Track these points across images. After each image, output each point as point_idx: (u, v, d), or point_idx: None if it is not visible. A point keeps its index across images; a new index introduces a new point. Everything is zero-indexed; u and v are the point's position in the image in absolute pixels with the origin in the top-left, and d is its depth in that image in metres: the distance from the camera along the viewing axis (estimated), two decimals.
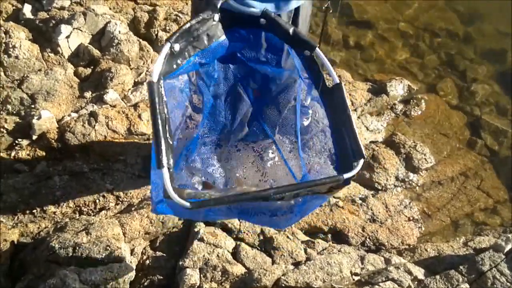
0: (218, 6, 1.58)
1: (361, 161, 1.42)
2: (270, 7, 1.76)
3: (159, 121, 1.28)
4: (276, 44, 1.70)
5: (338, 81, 1.56)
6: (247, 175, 2.04)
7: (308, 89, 1.74)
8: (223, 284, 2.15)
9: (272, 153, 2.12)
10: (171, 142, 1.32)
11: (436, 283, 2.47)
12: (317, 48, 1.60)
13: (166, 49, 1.43)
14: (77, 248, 2.11)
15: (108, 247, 2.13)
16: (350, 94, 3.65)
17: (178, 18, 3.74)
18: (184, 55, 1.51)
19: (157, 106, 1.30)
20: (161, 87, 1.35)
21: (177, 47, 1.46)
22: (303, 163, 1.91)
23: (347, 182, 1.40)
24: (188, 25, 1.49)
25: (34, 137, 2.80)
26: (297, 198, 1.43)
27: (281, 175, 2.04)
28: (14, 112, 2.86)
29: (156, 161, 1.25)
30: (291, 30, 1.60)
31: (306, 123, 2.02)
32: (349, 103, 1.54)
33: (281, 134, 2.15)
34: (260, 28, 1.64)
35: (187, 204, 1.22)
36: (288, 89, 1.95)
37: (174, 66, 1.48)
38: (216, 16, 1.58)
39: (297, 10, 1.95)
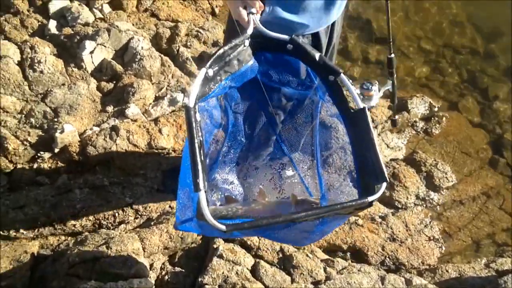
0: (250, 32, 1.63)
1: (384, 185, 1.44)
2: (312, 22, 1.82)
3: (196, 145, 1.31)
4: (297, 68, 1.75)
5: (362, 106, 1.59)
6: (267, 191, 2.04)
7: (329, 110, 1.77)
8: None
9: (290, 171, 2.15)
10: (205, 165, 1.35)
11: None
12: (341, 74, 1.64)
13: (202, 75, 1.47)
14: (97, 262, 2.12)
15: (128, 262, 2.14)
16: (370, 111, 3.62)
17: (199, 34, 3.78)
18: (216, 80, 1.55)
19: (194, 130, 1.33)
20: (196, 111, 1.39)
21: (211, 72, 1.50)
22: (321, 181, 1.93)
23: (370, 204, 1.42)
24: (221, 51, 1.53)
25: (56, 150, 2.83)
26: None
27: (298, 192, 2.05)
28: (37, 125, 2.90)
29: (193, 184, 1.27)
30: (317, 56, 1.65)
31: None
32: (372, 126, 1.55)
33: (299, 152, 2.18)
34: (287, 53, 1.69)
35: (223, 227, 1.24)
36: (307, 109, 1.98)
37: (207, 90, 1.53)
38: (247, 42, 1.62)
39: (332, 25, 1.99)
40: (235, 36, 1.61)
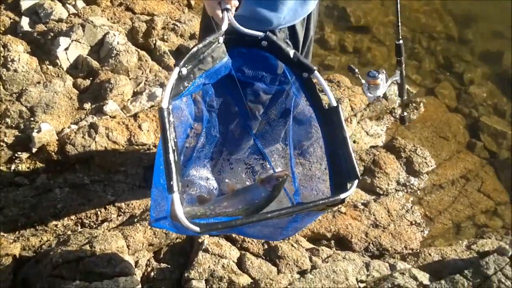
0: (224, 29, 1.61)
1: (356, 182, 1.48)
2: (289, 15, 1.81)
3: (169, 147, 1.31)
4: (273, 64, 1.75)
5: (335, 104, 1.60)
6: (239, 184, 2.08)
7: (303, 107, 1.79)
8: None
9: (263, 166, 2.17)
10: (179, 166, 1.34)
11: None
12: (315, 71, 1.65)
13: (175, 74, 1.45)
14: (81, 261, 2.10)
15: (112, 260, 2.12)
16: (349, 99, 3.64)
17: (175, 27, 3.74)
18: (190, 78, 1.54)
19: (167, 132, 1.33)
20: (170, 112, 1.38)
21: (184, 71, 1.48)
22: (294, 177, 1.94)
23: (343, 201, 1.46)
24: (195, 49, 1.52)
25: (34, 150, 2.78)
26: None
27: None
28: (14, 125, 2.84)
29: (167, 186, 1.27)
30: (291, 53, 1.65)
31: None
32: (345, 124, 1.59)
33: (273, 148, 2.21)
34: (262, 49, 1.69)
35: (197, 229, 1.26)
36: (280, 105, 1.99)
37: (181, 88, 1.51)
38: (221, 39, 1.61)
39: (308, 16, 1.99)
40: (210, 33, 1.59)
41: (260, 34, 1.65)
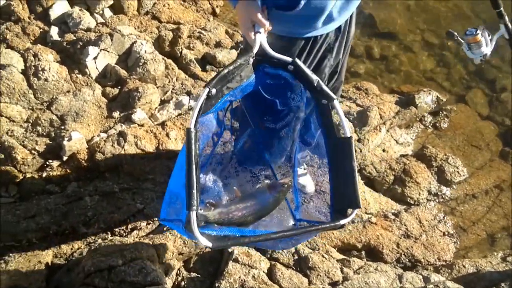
0: (255, 51, 1.65)
1: (356, 210, 1.61)
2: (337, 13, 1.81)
3: (193, 167, 1.37)
4: (292, 84, 1.78)
5: (349, 135, 1.65)
6: (242, 190, 2.11)
7: (314, 131, 1.85)
8: None
9: (267, 177, 2.26)
10: (199, 183, 1.41)
11: None
12: (335, 100, 1.68)
13: (204, 95, 1.48)
14: (113, 270, 2.09)
15: (143, 269, 2.11)
16: (378, 107, 3.59)
17: (201, 35, 3.75)
18: (218, 96, 1.58)
19: (192, 153, 1.38)
20: (197, 132, 1.42)
21: (214, 91, 1.52)
22: (296, 194, 2.05)
23: (342, 226, 1.59)
24: (226, 70, 1.56)
25: (65, 158, 2.80)
26: None
27: None
28: (44, 133, 2.87)
29: (187, 204, 1.36)
30: (315, 81, 1.69)
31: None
32: (355, 156, 1.65)
33: (279, 163, 2.29)
34: (287, 72, 1.72)
35: (210, 244, 1.36)
36: (291, 124, 2.02)
37: (209, 106, 1.56)
38: (251, 60, 1.65)
39: (350, 20, 2.03)
40: (248, 52, 1.64)
41: (288, 59, 1.68)
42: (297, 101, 1.87)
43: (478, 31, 2.05)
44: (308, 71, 1.69)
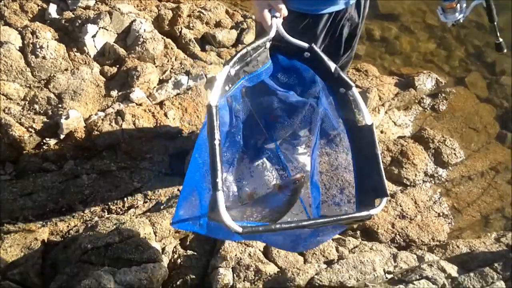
0: (272, 35, 1.64)
1: (385, 199, 1.51)
2: None
3: (216, 145, 1.31)
4: (307, 76, 1.76)
5: (370, 122, 1.60)
6: (258, 192, 2.11)
7: (333, 121, 1.77)
8: (256, 283, 2.13)
9: (283, 177, 2.21)
10: (222, 164, 1.34)
11: (471, 280, 2.41)
12: (353, 88, 1.64)
13: (224, 73, 1.46)
14: (110, 248, 2.11)
15: (140, 247, 2.13)
16: (377, 89, 3.59)
17: (201, 15, 3.72)
18: (235, 79, 1.55)
19: (215, 130, 1.32)
20: (218, 111, 1.37)
21: (233, 71, 1.50)
22: (317, 190, 1.92)
23: (370, 217, 1.49)
24: (244, 50, 1.54)
25: (62, 136, 2.81)
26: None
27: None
28: (42, 112, 2.87)
29: (212, 184, 1.27)
30: (333, 68, 1.65)
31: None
32: (377, 142, 1.59)
33: (294, 159, 2.26)
34: (302, 61, 1.70)
35: (240, 229, 1.25)
36: (307, 117, 2.00)
37: (226, 89, 1.52)
38: (268, 44, 1.63)
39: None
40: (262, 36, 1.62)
41: (305, 45, 1.66)
42: (310, 92, 1.84)
43: None
44: (325, 57, 1.66)
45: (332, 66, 1.65)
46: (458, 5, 2.10)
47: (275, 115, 2.06)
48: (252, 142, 2.24)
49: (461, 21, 2.13)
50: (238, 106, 1.89)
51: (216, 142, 1.31)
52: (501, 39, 2.23)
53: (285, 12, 1.69)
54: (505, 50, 2.24)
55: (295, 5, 1.81)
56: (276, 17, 1.67)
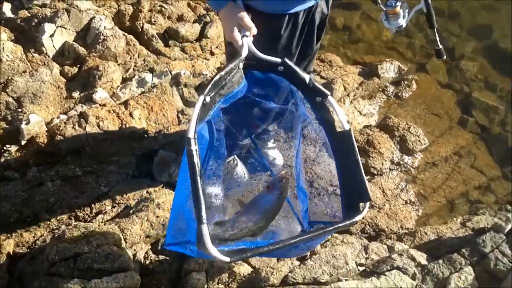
0: (245, 55, 1.65)
1: (368, 204, 1.58)
2: None
3: (198, 177, 1.32)
4: (283, 86, 1.78)
5: (348, 127, 1.66)
6: (247, 197, 2.11)
7: (314, 129, 1.81)
8: (230, 285, 2.13)
9: (267, 180, 2.22)
10: (205, 194, 1.36)
11: (440, 267, 2.48)
12: (329, 96, 1.69)
13: (200, 104, 1.46)
14: (79, 258, 2.07)
15: (110, 255, 2.09)
16: (342, 79, 3.61)
17: (163, 9, 3.65)
18: (211, 105, 1.56)
19: (195, 163, 1.34)
20: (196, 142, 1.39)
21: (208, 98, 1.51)
22: (304, 195, 1.96)
23: (356, 222, 1.56)
24: (218, 76, 1.54)
25: (23, 142, 2.71)
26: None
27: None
28: (0, 117, 2.76)
29: (196, 217, 1.29)
30: (307, 79, 1.69)
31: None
32: (356, 147, 1.67)
33: (264, 154, 2.33)
34: (277, 74, 1.72)
35: (227, 259, 1.29)
36: (287, 124, 2.01)
37: (204, 115, 1.53)
38: (241, 64, 1.64)
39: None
40: (235, 57, 1.63)
41: (278, 60, 1.68)
42: (288, 100, 1.86)
43: (398, 3, 2.09)
44: (299, 70, 1.69)
45: (307, 77, 1.69)
46: (401, 10, 2.11)
47: (256, 124, 2.11)
48: (237, 151, 2.28)
49: (403, 26, 2.14)
50: (219, 122, 1.90)
51: (198, 175, 1.32)
52: (441, 46, 2.24)
53: (254, 30, 1.71)
54: (445, 57, 2.27)
55: (272, 6, 1.82)
56: (247, 36, 1.69)
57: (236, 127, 2.09)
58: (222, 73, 1.55)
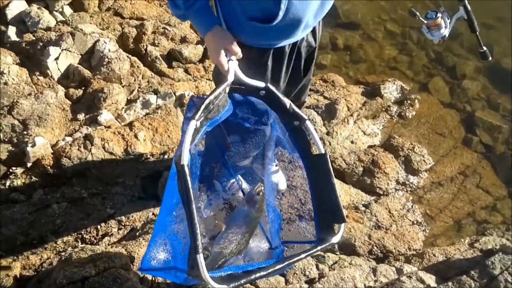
0: (231, 79, 1.65)
1: (343, 225, 1.61)
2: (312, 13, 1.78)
3: (193, 205, 1.30)
4: (261, 108, 1.80)
5: (323, 152, 1.68)
6: (218, 219, 2.13)
7: (289, 151, 1.86)
8: None
9: (239, 201, 2.22)
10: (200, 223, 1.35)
11: None
12: (306, 121, 1.70)
13: (192, 129, 1.45)
14: (86, 282, 2.04)
15: (117, 279, 2.07)
16: (345, 99, 3.62)
17: (166, 31, 3.67)
18: (200, 130, 1.55)
19: (190, 190, 1.32)
20: (189, 167, 1.36)
21: (198, 124, 1.50)
22: (276, 214, 1.95)
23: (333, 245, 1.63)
24: (207, 101, 1.54)
25: (29, 165, 2.71)
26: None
27: None
28: (6, 139, 2.76)
29: (193, 246, 1.27)
30: (288, 104, 1.71)
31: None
32: (332, 170, 1.68)
33: (250, 183, 2.30)
34: (258, 97, 1.74)
35: (224, 286, 1.29)
36: (261, 144, 2.04)
37: (194, 140, 1.52)
38: (228, 89, 1.65)
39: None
40: (222, 82, 1.63)
41: (262, 84, 1.70)
42: (263, 121, 1.88)
43: (439, 15, 2.11)
44: (280, 95, 1.71)
45: (287, 102, 1.71)
46: (442, 21, 2.11)
47: (229, 143, 2.10)
48: (209, 170, 2.27)
49: (447, 36, 2.15)
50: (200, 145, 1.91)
51: (193, 205, 1.30)
52: (485, 48, 2.25)
53: (240, 55, 1.70)
54: (490, 58, 2.27)
55: (257, 41, 1.80)
56: (232, 60, 1.68)
57: (211, 146, 2.11)
58: (212, 97, 1.55)
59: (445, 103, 4.24)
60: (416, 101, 4.04)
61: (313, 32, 1.99)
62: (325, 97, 3.72)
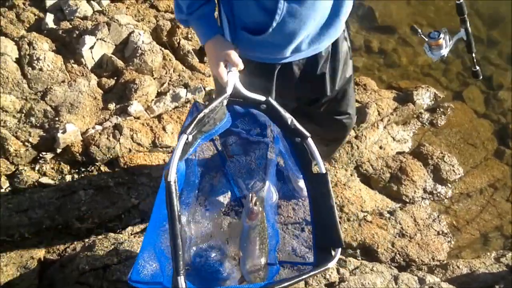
0: (230, 92, 1.58)
1: (339, 250, 1.53)
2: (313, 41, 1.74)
3: (177, 225, 1.26)
4: (263, 120, 1.73)
5: (324, 171, 1.59)
6: (214, 233, 2.06)
7: (290, 168, 1.79)
8: None
9: (238, 213, 2.17)
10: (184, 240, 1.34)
11: None
12: (309, 139, 1.62)
13: (182, 143, 1.39)
14: (108, 269, 2.07)
15: None
16: (376, 104, 3.57)
17: None
18: (193, 142, 1.50)
19: (175, 209, 1.27)
20: (176, 184, 1.31)
21: (190, 137, 1.44)
22: (275, 233, 1.92)
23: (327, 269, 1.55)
24: (202, 114, 1.47)
25: (59, 151, 2.76)
26: None
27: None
28: (38, 125, 2.82)
29: (174, 268, 1.24)
30: (289, 120, 1.62)
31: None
32: (332, 192, 1.59)
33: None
34: (258, 110, 1.66)
35: None
36: (262, 156, 1.98)
37: (184, 154, 1.46)
38: (225, 101, 1.58)
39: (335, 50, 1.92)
40: (221, 93, 1.58)
41: (262, 98, 1.62)
42: (264, 134, 1.84)
43: (441, 35, 2.12)
44: (282, 110, 1.63)
45: (289, 118, 1.63)
46: (444, 41, 2.12)
47: (231, 154, 2.04)
48: (207, 179, 2.20)
49: (445, 56, 2.16)
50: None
51: (177, 226, 1.26)
52: (478, 67, 2.31)
53: (241, 66, 1.63)
54: (481, 77, 2.34)
55: (249, 53, 1.75)
56: (232, 72, 1.61)
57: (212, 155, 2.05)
58: (206, 111, 1.49)
59: (479, 113, 4.13)
60: (449, 109, 3.95)
61: (335, 47, 1.91)
62: (356, 101, 3.68)
